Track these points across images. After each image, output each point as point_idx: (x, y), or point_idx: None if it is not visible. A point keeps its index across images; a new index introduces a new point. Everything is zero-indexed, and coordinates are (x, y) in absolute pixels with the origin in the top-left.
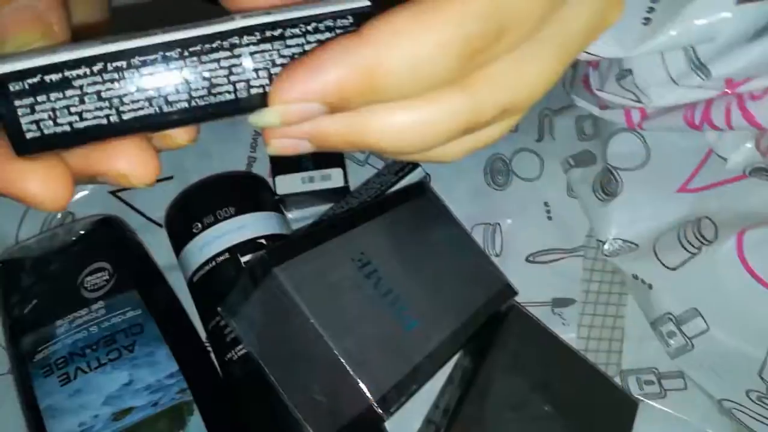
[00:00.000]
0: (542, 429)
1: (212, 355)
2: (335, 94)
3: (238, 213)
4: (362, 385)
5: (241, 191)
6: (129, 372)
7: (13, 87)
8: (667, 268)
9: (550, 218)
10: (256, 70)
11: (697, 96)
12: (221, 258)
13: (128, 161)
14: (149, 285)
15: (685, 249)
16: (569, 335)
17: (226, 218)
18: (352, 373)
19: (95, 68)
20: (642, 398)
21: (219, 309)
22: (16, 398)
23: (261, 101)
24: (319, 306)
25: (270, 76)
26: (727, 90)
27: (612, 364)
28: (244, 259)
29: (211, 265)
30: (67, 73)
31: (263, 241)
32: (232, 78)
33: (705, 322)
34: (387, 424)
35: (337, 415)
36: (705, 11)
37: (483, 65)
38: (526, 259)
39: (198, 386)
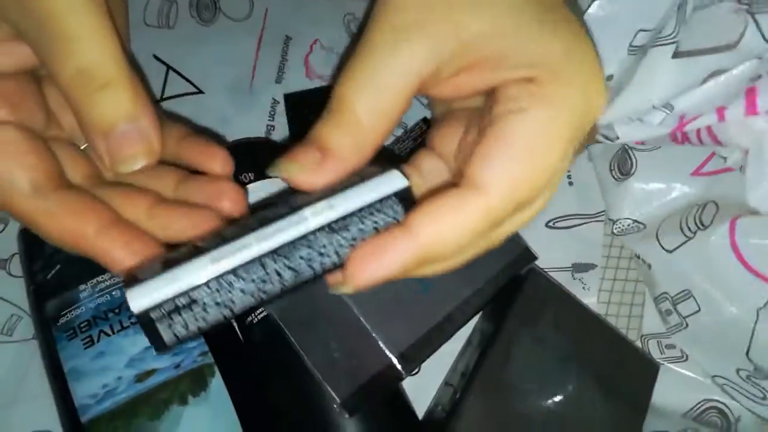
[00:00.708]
0: (562, 393)
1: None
2: (398, 273)
3: (257, 178)
4: (381, 344)
5: (260, 157)
6: None
7: (154, 315)
8: (665, 250)
9: (571, 183)
10: (328, 255)
11: (659, 132)
12: None
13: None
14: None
15: (683, 232)
16: (590, 300)
17: (245, 183)
18: (371, 331)
19: (212, 287)
20: (663, 362)
21: None
22: (41, 362)
23: (332, 269)
24: None
25: (338, 254)
26: (680, 126)
27: (633, 328)
28: None
29: None
30: (192, 295)
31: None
32: (313, 264)
33: (697, 303)
34: (406, 387)
35: (356, 374)
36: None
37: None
38: (547, 225)
39: (219, 349)
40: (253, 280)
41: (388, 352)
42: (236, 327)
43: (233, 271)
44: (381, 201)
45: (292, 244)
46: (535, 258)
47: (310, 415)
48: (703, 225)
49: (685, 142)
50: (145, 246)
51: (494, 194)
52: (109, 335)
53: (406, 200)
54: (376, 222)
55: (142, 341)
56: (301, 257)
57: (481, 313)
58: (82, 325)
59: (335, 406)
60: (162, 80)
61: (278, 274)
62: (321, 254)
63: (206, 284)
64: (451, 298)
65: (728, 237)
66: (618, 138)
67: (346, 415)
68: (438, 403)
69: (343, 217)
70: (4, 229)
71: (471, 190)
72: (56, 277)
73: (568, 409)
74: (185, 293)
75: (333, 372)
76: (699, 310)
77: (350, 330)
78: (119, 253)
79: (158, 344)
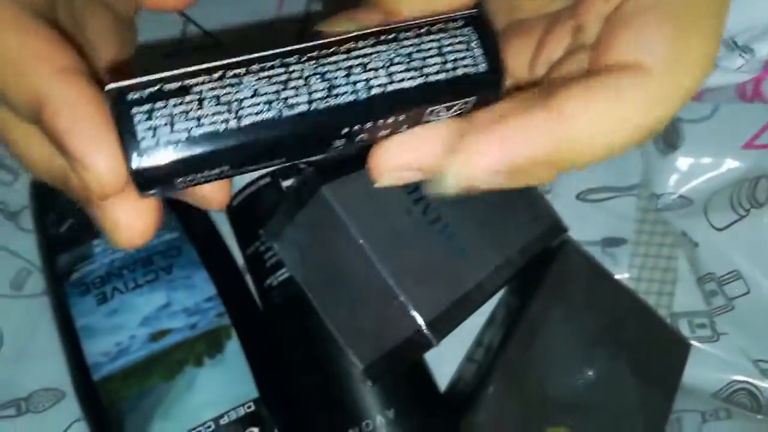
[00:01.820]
0: (592, 372)
1: (249, 283)
2: (519, 169)
3: None
4: (411, 309)
5: None
6: (166, 294)
7: (132, 96)
8: (714, 228)
9: None
10: (375, 69)
11: (736, 79)
12: (262, 182)
13: (127, 212)
14: (187, 208)
15: (735, 210)
16: (620, 276)
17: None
18: (400, 295)
19: (215, 75)
20: (693, 341)
21: (261, 232)
22: (51, 319)
23: (382, 104)
24: (368, 227)
25: (389, 74)
26: (764, 74)
27: (663, 306)
28: (285, 183)
29: (251, 189)
30: (186, 82)
31: (305, 166)
32: (352, 78)
33: (746, 284)
34: (427, 362)
35: (382, 340)
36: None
37: None
38: (577, 197)
39: (236, 311)
40: (269, 78)
41: (419, 318)
42: (254, 290)
43: (244, 64)
44: (444, 21)
45: (326, 48)
46: (566, 230)
47: (329, 382)
48: (757, 203)
49: (755, 98)
50: None
51: (659, 73)
52: (123, 292)
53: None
54: (436, 41)
55: (157, 300)
56: (338, 67)
57: (506, 286)
58: (95, 281)
59: (357, 373)
60: (180, 32)
61: (305, 81)
62: (364, 69)
63: (206, 70)
64: (483, 266)
65: None
66: None
67: (369, 383)
68: (460, 379)
69: (394, 30)
70: (14, 181)
71: (625, 71)
72: (69, 230)
73: (597, 389)
74: (176, 77)
75: (357, 337)
76: (748, 292)
77: (377, 294)
78: None
79: (130, 143)
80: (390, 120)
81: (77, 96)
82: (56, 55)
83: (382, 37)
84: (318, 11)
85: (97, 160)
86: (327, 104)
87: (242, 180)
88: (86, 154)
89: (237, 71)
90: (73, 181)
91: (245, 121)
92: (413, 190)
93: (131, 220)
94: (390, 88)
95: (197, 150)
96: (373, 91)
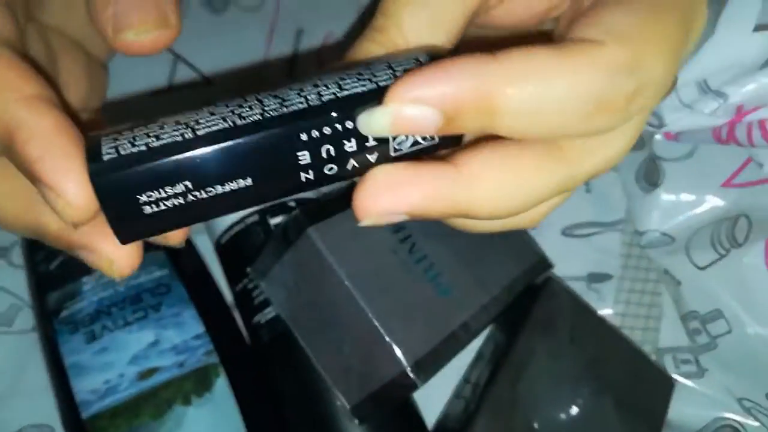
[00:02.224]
0: (577, 407)
1: (238, 319)
2: (453, 103)
3: None
4: (396, 350)
5: None
6: (155, 332)
7: (104, 136)
8: (697, 267)
9: (588, 191)
10: (326, 84)
11: (710, 123)
12: (250, 220)
13: (116, 246)
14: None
15: (716, 250)
16: (605, 311)
17: None
18: (386, 336)
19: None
20: (678, 377)
21: (248, 270)
22: (40, 355)
23: (334, 106)
24: (354, 268)
25: (340, 86)
26: (736, 118)
27: (648, 342)
28: (273, 221)
29: (239, 227)
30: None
31: (293, 204)
32: (303, 93)
33: (728, 323)
34: (415, 399)
35: (368, 380)
36: (725, 41)
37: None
38: (563, 232)
39: (224, 349)
40: (226, 105)
41: (403, 361)
42: (242, 327)
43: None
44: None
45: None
46: (551, 266)
47: (317, 421)
48: (736, 242)
49: (730, 140)
50: None
51: (619, 45)
52: (112, 330)
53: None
54: (391, 60)
55: (146, 337)
56: (291, 88)
57: (493, 323)
58: (84, 319)
59: (345, 412)
60: (169, 70)
61: (259, 101)
62: (316, 85)
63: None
64: (469, 305)
65: (763, 257)
66: (665, 126)
67: (356, 422)
68: (448, 416)
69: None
70: None
71: (579, 46)
72: (59, 268)
73: (582, 425)
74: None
75: (344, 377)
76: (730, 331)
77: (364, 334)
78: None
79: (94, 159)
80: (351, 137)
81: (48, 124)
82: (27, 84)
83: (337, 66)
84: (305, 50)
85: (68, 185)
86: (279, 113)
87: (231, 218)
88: (57, 180)
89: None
90: (49, 227)
91: (200, 132)
92: (399, 229)
93: (116, 254)
94: (341, 94)
95: (156, 159)
96: (325, 98)
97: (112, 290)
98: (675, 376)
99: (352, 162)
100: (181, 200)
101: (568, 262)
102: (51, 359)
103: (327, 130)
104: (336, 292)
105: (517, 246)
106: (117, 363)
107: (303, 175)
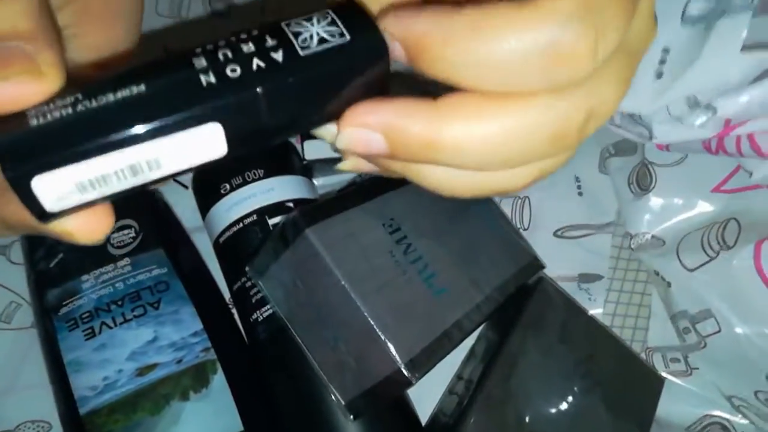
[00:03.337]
0: (567, 405)
1: (236, 317)
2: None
3: (267, 175)
4: (391, 348)
5: (270, 154)
6: (154, 329)
7: None
8: (686, 269)
9: (580, 193)
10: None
11: (699, 135)
12: (249, 220)
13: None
14: (175, 244)
15: (705, 252)
16: (595, 311)
17: (255, 180)
18: (381, 335)
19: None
20: (667, 375)
21: (246, 269)
22: (39, 352)
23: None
24: (350, 268)
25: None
26: (724, 131)
27: (637, 341)
28: (272, 221)
29: (238, 227)
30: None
31: (291, 204)
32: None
33: (717, 323)
34: (409, 394)
35: (363, 377)
36: (713, 60)
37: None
38: (554, 234)
39: (222, 346)
40: None
41: (397, 358)
42: (240, 325)
43: None
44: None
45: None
46: (543, 266)
47: (313, 416)
48: (726, 245)
49: (719, 151)
50: None
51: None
52: (111, 327)
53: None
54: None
55: (145, 334)
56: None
57: (486, 322)
58: (83, 316)
59: (340, 407)
60: None
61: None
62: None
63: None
64: (463, 304)
65: (753, 260)
66: (654, 138)
67: (351, 418)
68: (441, 411)
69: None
70: None
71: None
72: (58, 266)
73: (573, 422)
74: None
75: (339, 373)
76: (719, 330)
77: (359, 332)
78: None
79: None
80: (249, 41)
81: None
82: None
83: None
84: None
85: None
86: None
87: (230, 218)
88: None
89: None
90: None
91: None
92: (395, 230)
93: (82, 226)
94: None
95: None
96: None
97: (112, 288)
98: (664, 374)
99: (256, 62)
100: (70, 110)
101: (560, 263)
102: (50, 356)
103: (221, 43)
104: (333, 291)
105: (509, 246)
106: (116, 359)
107: (204, 78)
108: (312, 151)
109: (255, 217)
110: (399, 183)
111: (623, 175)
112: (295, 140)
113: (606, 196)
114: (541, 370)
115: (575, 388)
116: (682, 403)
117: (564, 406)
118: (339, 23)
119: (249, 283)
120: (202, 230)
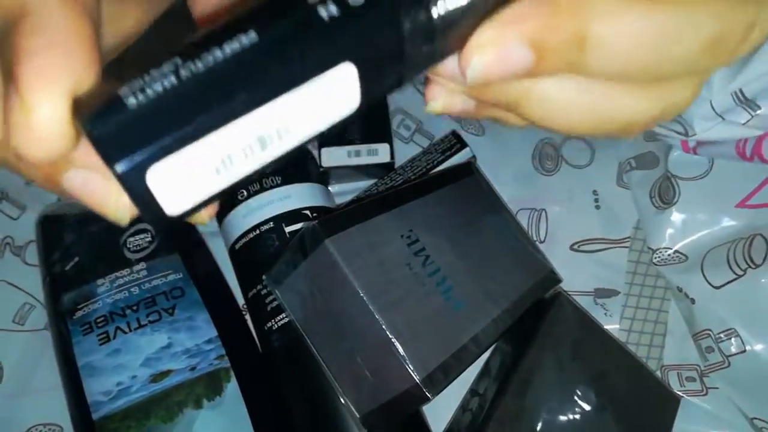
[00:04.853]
0: (584, 422)
1: (250, 324)
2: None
3: (284, 182)
4: (409, 363)
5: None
6: (168, 335)
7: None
8: (712, 286)
9: (598, 207)
10: None
11: (741, 133)
12: (265, 227)
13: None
14: (191, 250)
15: (731, 269)
16: (611, 327)
17: (272, 187)
18: (400, 349)
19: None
20: (682, 395)
21: (264, 277)
22: (52, 354)
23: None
24: (369, 280)
25: None
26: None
27: (653, 358)
28: (288, 229)
29: (254, 234)
30: None
31: (308, 212)
32: None
33: (743, 343)
34: (423, 409)
35: (379, 391)
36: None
37: None
38: (571, 248)
39: (236, 353)
40: None
41: (415, 374)
42: (254, 332)
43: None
44: None
45: None
46: (559, 281)
47: (326, 428)
48: (754, 263)
49: (754, 156)
50: None
51: None
52: (126, 332)
53: None
54: None
55: (159, 340)
56: None
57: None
58: (98, 321)
59: (354, 421)
60: None
61: None
62: None
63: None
64: (479, 319)
65: None
66: (693, 134)
67: (365, 431)
68: (456, 427)
69: None
70: (20, 216)
71: None
72: (74, 269)
73: None
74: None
75: (355, 386)
76: (744, 351)
77: (376, 345)
78: None
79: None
80: None
81: (67, 24)
82: None
83: None
84: None
85: (44, 100)
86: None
87: (245, 225)
88: (36, 88)
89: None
90: None
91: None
92: (414, 241)
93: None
94: None
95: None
96: None
97: (127, 292)
98: (680, 393)
99: None
100: (173, 79)
101: (577, 277)
102: (63, 360)
103: None
104: (351, 303)
105: (526, 260)
106: (130, 365)
107: (323, 12)
108: (329, 158)
109: (271, 224)
110: (417, 194)
111: (645, 189)
112: (312, 147)
113: (624, 211)
114: (555, 386)
115: (589, 406)
116: (697, 424)
117: (578, 423)
118: None
119: (264, 291)
120: (217, 235)
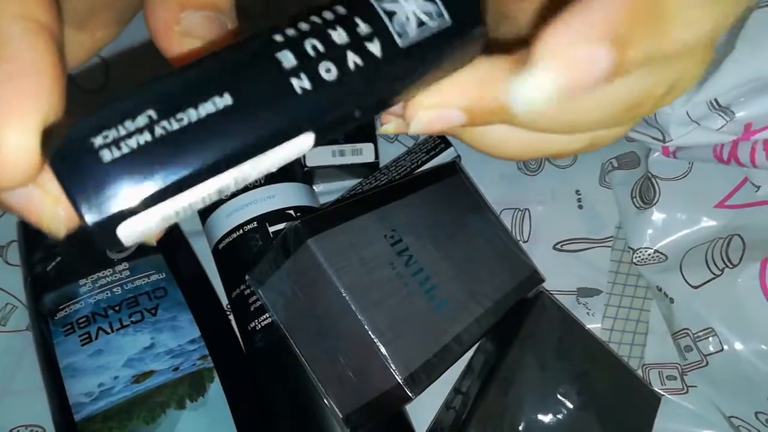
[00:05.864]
0: (566, 420)
1: (233, 324)
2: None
3: (268, 182)
4: (391, 363)
5: None
6: (151, 335)
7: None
8: (690, 285)
9: (580, 207)
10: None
11: (716, 139)
12: (249, 226)
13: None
14: (174, 249)
15: (710, 269)
16: (593, 326)
17: (256, 186)
18: (382, 349)
19: None
20: (663, 393)
21: (246, 277)
22: (34, 355)
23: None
24: (352, 280)
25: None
26: (744, 136)
27: (635, 357)
28: (272, 228)
29: (238, 233)
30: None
31: (292, 212)
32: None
33: (720, 342)
34: (406, 408)
35: (362, 391)
36: (743, 59)
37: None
38: (554, 247)
39: (219, 354)
40: None
41: (397, 374)
42: (237, 332)
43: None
44: None
45: None
46: (542, 280)
47: (309, 428)
48: (731, 263)
49: (731, 159)
50: None
51: None
52: (108, 333)
53: None
54: None
55: (142, 341)
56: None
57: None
58: (80, 321)
59: (337, 420)
60: None
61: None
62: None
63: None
64: (462, 318)
65: (758, 279)
66: (669, 140)
67: (348, 431)
68: (439, 425)
69: None
70: (2, 216)
71: None
72: (56, 269)
73: None
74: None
75: (338, 386)
76: (722, 349)
77: (359, 345)
78: None
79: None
80: (336, 24)
81: (33, 57)
82: (38, 7)
83: None
84: None
85: (12, 129)
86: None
87: (229, 224)
88: (4, 118)
89: None
90: None
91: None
92: (397, 241)
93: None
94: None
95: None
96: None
97: (109, 293)
98: (661, 392)
99: (352, 58)
100: (148, 136)
101: (559, 277)
102: (45, 360)
103: (304, 26)
104: (333, 303)
105: (510, 259)
106: (112, 366)
107: (296, 84)
108: (314, 157)
109: (255, 224)
110: (401, 194)
111: (626, 189)
112: None
113: (606, 210)
114: (538, 385)
115: (571, 404)
116: (677, 422)
117: (560, 421)
118: None
119: (248, 291)
120: (201, 235)
